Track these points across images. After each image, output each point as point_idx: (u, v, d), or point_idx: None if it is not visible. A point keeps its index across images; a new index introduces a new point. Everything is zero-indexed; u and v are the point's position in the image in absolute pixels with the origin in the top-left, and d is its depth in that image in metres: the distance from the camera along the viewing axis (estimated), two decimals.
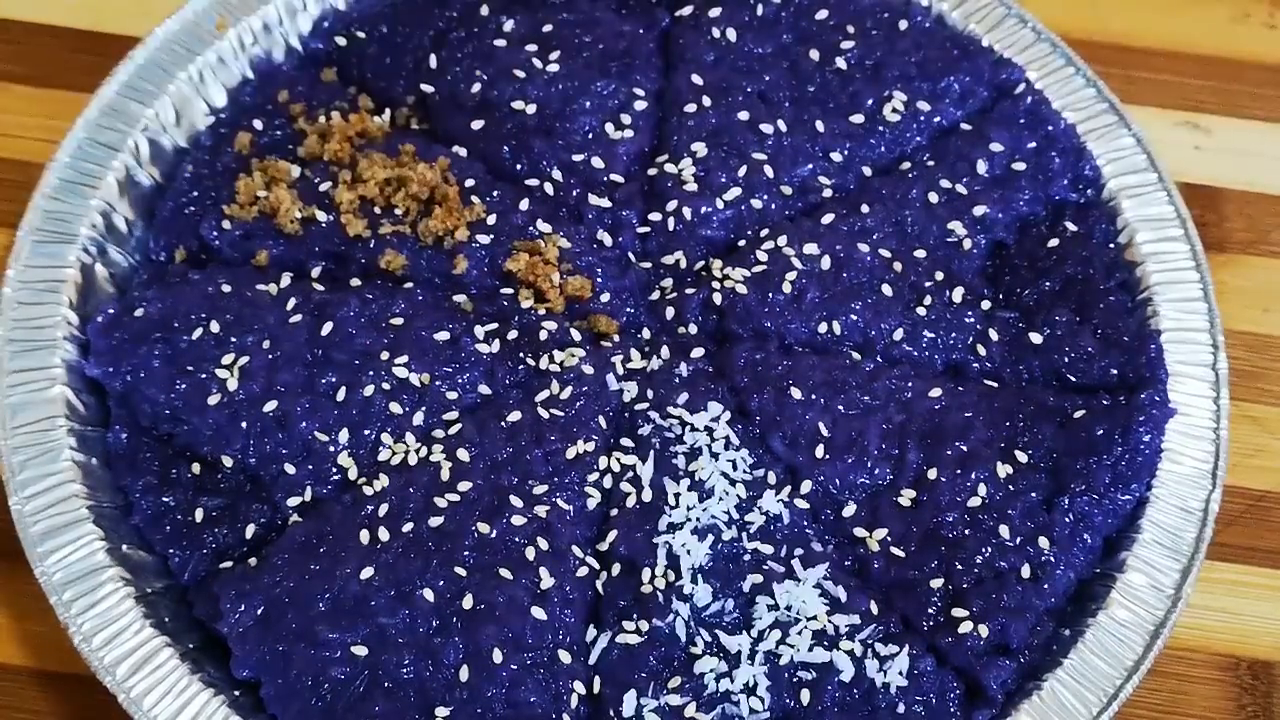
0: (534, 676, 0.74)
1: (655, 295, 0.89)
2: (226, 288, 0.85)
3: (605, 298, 0.87)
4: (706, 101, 0.93)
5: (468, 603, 0.75)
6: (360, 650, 0.73)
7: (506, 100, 0.92)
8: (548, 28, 0.95)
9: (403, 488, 0.79)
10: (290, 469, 0.80)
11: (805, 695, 0.73)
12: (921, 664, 0.75)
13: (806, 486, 0.79)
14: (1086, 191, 0.92)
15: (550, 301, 0.86)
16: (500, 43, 0.95)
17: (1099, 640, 0.76)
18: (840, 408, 0.81)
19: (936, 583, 0.76)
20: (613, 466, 0.81)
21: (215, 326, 0.83)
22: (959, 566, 0.76)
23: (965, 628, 0.75)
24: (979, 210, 0.90)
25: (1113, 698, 0.74)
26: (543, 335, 0.84)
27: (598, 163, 0.90)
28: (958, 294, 0.87)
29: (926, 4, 0.98)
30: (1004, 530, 0.77)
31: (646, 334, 0.87)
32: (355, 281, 0.87)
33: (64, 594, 0.75)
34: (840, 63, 0.94)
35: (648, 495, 0.79)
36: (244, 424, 0.80)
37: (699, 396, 0.82)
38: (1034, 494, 0.79)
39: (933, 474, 0.79)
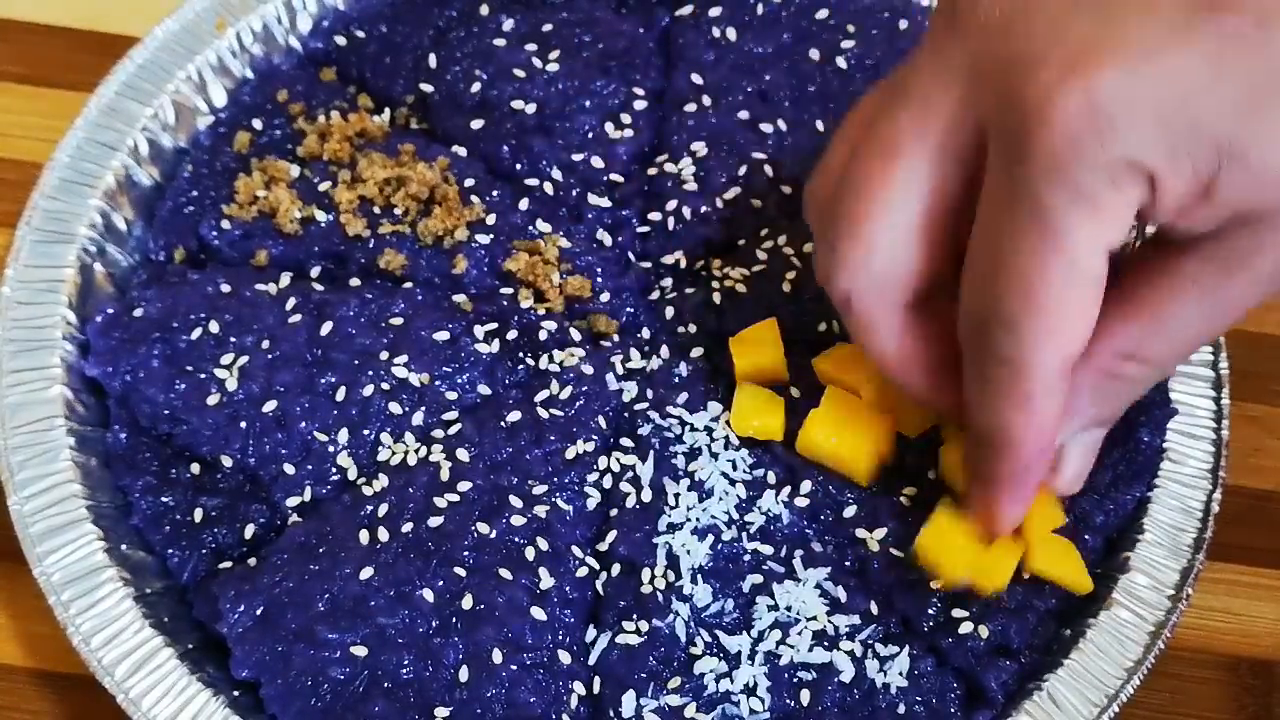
0: (533, 677, 0.73)
1: (655, 295, 0.89)
2: (226, 287, 0.85)
3: (605, 297, 0.87)
4: (706, 101, 0.93)
5: (467, 603, 0.74)
6: (360, 650, 0.73)
7: (506, 100, 0.92)
8: (547, 27, 0.95)
9: (402, 488, 0.79)
10: (290, 469, 0.80)
11: (805, 695, 0.73)
12: (922, 664, 0.75)
13: (806, 487, 0.79)
14: None
15: (550, 301, 0.86)
16: (500, 42, 0.94)
17: (1099, 640, 0.76)
18: None
19: (937, 583, 0.76)
20: (612, 466, 0.80)
21: (215, 326, 0.83)
22: None
23: (965, 628, 0.75)
24: None
25: (1113, 698, 0.74)
26: (543, 335, 0.84)
27: (597, 162, 0.90)
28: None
29: (926, 4, 0.98)
30: None
31: (646, 334, 0.87)
32: (355, 281, 0.87)
33: (63, 594, 0.75)
34: (840, 62, 0.94)
35: (647, 495, 0.79)
36: (243, 424, 0.80)
37: (699, 396, 0.82)
38: None
39: (932, 473, 0.79)
